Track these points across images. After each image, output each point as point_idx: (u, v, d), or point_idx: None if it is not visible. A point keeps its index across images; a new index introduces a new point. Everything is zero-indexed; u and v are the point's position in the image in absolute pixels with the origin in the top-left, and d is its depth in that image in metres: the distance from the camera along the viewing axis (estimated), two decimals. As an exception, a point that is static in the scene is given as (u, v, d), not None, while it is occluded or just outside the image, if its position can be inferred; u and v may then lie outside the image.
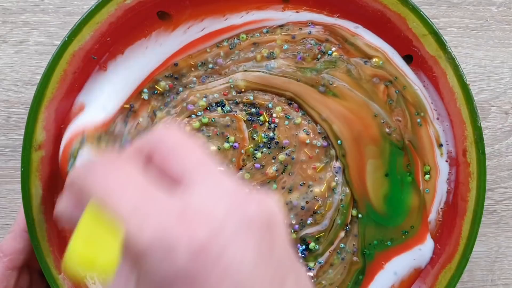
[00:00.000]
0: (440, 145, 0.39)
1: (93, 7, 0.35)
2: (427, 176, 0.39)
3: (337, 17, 0.38)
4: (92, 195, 0.22)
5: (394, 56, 0.38)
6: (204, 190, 0.21)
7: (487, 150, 0.45)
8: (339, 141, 0.38)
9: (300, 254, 0.39)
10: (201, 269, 0.20)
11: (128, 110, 0.38)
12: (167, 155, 0.23)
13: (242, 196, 0.21)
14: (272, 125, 0.38)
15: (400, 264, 0.39)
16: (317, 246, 0.39)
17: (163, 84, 0.38)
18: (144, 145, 0.24)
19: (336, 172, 0.39)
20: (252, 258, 0.20)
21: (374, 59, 0.38)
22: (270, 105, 0.38)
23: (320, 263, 0.39)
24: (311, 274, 0.39)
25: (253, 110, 0.38)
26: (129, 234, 0.20)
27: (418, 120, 0.38)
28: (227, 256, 0.20)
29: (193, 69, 0.38)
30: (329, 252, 0.39)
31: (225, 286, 0.20)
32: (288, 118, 0.38)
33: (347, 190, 0.39)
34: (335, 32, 0.38)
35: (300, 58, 0.38)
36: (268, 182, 0.39)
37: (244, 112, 0.39)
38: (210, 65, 0.38)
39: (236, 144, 0.38)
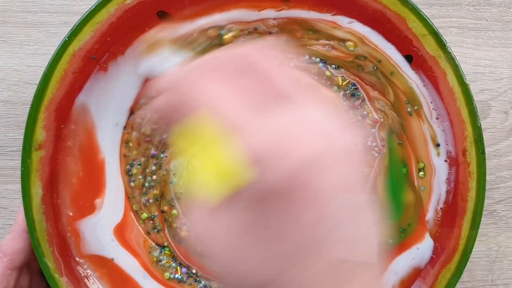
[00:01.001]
0: (437, 145, 0.39)
1: (93, 7, 0.35)
2: (421, 173, 0.39)
3: (334, 14, 0.38)
4: (200, 105, 0.22)
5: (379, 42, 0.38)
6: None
7: (487, 150, 0.45)
8: None
9: None
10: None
11: (131, 113, 0.39)
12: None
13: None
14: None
15: (400, 264, 0.39)
16: None
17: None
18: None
19: None
20: None
21: (348, 42, 0.38)
22: None
23: None
24: None
25: None
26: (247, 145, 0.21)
27: (409, 109, 0.38)
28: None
29: None
30: None
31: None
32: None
33: None
34: (297, 22, 0.38)
35: None
36: None
37: None
38: None
39: None
